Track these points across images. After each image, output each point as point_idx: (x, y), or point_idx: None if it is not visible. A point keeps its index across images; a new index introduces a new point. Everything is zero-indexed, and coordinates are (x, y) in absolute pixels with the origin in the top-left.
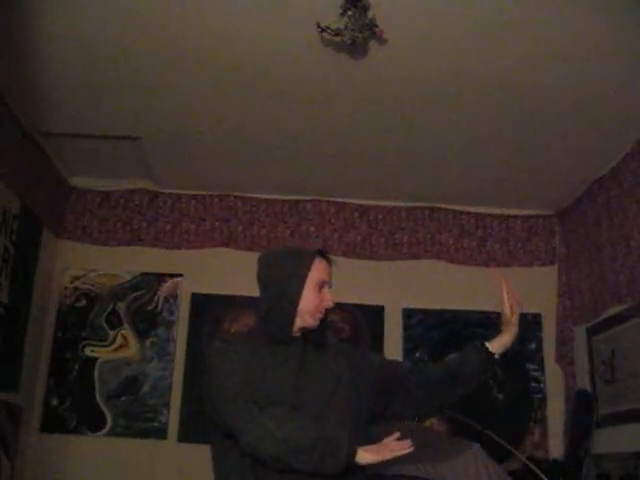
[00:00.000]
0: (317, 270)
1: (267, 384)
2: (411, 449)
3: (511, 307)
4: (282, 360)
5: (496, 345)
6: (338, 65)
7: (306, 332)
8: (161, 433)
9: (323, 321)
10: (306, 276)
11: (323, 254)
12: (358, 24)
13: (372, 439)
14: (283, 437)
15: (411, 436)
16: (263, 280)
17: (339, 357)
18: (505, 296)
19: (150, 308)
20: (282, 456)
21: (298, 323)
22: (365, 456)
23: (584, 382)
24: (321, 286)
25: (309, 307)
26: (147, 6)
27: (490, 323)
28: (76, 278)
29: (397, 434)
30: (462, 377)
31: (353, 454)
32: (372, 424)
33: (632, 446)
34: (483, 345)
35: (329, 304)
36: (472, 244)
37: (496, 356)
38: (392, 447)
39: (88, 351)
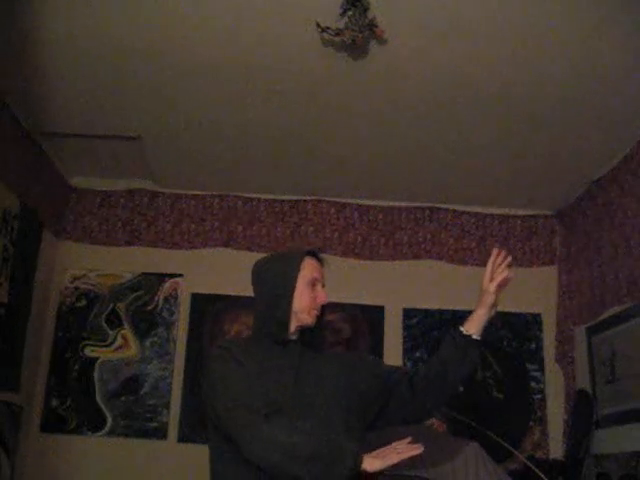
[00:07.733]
0: (307, 269)
1: (266, 389)
2: (420, 450)
3: (492, 274)
4: (280, 365)
5: (471, 324)
6: (338, 65)
7: (303, 332)
8: (161, 433)
9: (319, 320)
10: (297, 275)
11: (313, 253)
12: (358, 24)
13: (371, 445)
14: (288, 446)
15: (412, 437)
16: (257, 286)
17: (335, 363)
18: (490, 266)
19: (150, 308)
20: (287, 465)
21: (294, 323)
22: (372, 462)
23: (584, 382)
24: (313, 284)
25: (303, 305)
26: (147, 7)
27: (490, 323)
28: (76, 278)
29: (409, 438)
30: (449, 372)
31: (359, 462)
32: (370, 430)
33: (632, 446)
34: (457, 330)
35: (323, 300)
36: (472, 244)
37: (474, 337)
38: (399, 450)
39: (88, 351)
